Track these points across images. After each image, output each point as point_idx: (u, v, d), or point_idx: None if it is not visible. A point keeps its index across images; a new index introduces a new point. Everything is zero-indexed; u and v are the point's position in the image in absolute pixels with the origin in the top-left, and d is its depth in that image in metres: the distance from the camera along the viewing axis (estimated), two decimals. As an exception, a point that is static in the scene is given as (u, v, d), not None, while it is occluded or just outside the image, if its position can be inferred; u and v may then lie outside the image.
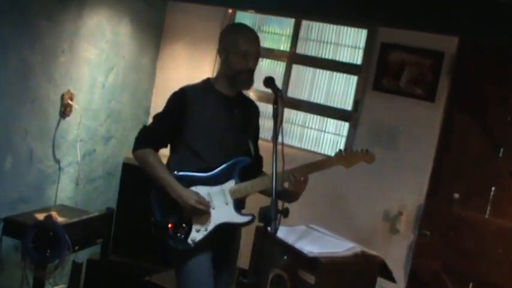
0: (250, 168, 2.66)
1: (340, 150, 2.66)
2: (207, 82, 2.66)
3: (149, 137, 2.59)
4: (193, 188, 2.53)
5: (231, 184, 2.57)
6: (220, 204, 2.55)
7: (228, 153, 2.59)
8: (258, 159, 2.75)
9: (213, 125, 2.56)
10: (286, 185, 2.53)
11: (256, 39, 2.57)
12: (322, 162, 2.62)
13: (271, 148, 2.23)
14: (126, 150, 4.25)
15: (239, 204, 2.61)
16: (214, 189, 2.56)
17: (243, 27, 2.67)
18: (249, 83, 2.57)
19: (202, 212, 2.50)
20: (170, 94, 2.61)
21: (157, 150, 2.60)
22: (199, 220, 2.53)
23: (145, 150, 2.56)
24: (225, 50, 2.55)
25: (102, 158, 4.07)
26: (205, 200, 2.51)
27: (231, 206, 2.56)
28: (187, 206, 2.49)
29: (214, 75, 2.73)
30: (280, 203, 2.16)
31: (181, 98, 2.55)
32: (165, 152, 2.68)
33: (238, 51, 2.50)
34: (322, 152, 4.17)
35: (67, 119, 3.55)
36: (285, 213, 2.17)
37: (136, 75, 4.30)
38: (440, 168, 3.69)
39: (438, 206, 3.67)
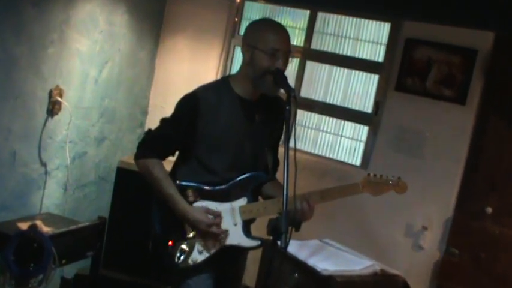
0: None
1: (368, 174, 2.59)
2: (224, 83, 2.60)
3: (155, 144, 2.57)
4: (199, 204, 2.51)
5: (242, 202, 2.55)
6: (228, 225, 2.52)
7: (244, 166, 2.55)
8: (274, 165, 2.71)
9: (229, 137, 2.51)
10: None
11: (287, 36, 2.50)
12: (346, 189, 2.55)
13: (283, 153, 2.22)
14: (121, 153, 4.30)
15: (248, 226, 2.59)
16: (223, 207, 2.53)
17: (273, 22, 2.59)
18: (276, 86, 2.48)
19: (210, 234, 2.49)
20: (181, 97, 2.56)
21: (163, 159, 2.58)
22: (203, 240, 2.51)
23: (150, 159, 2.54)
24: (251, 47, 2.47)
25: (94, 161, 4.06)
26: (217, 221, 2.49)
27: (239, 227, 2.54)
28: (196, 229, 2.48)
29: (234, 73, 2.66)
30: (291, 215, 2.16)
31: (192, 104, 2.49)
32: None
33: (266, 48, 2.43)
34: (338, 158, 4.19)
35: (55, 117, 3.53)
36: (297, 226, 2.17)
37: (133, 71, 4.29)
38: (471, 178, 3.70)
39: (468, 221, 3.66)
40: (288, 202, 2.10)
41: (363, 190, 2.56)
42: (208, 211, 2.48)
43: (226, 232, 2.50)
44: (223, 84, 2.58)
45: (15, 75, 3.20)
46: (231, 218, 2.53)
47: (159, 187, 2.50)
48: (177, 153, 2.64)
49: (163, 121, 2.58)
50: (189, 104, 2.51)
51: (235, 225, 2.53)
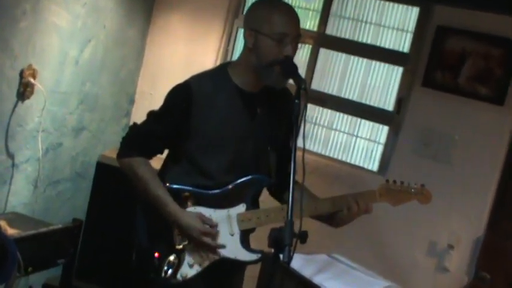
0: (272, 187, 2.68)
1: (387, 181, 2.61)
2: (221, 71, 2.59)
3: (141, 141, 2.57)
4: (192, 209, 2.51)
5: (240, 209, 2.55)
6: (224, 234, 2.52)
7: (244, 167, 2.56)
8: (284, 173, 2.65)
9: (226, 134, 2.52)
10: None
11: (297, 18, 2.48)
12: (361, 196, 2.56)
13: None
14: (102, 147, 4.30)
15: (246, 236, 2.59)
16: (218, 214, 2.52)
17: (279, 2, 2.56)
18: (284, 77, 2.47)
19: (203, 245, 2.48)
20: (172, 87, 2.56)
21: (150, 158, 2.59)
22: (194, 252, 2.50)
23: (135, 158, 2.54)
24: (254, 31, 2.45)
25: (71, 154, 4.05)
26: (212, 229, 2.48)
27: (236, 237, 2.53)
28: (188, 236, 2.48)
29: (234, 60, 2.67)
30: (297, 225, 2.11)
31: (185, 96, 2.49)
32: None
33: (272, 32, 2.40)
34: (352, 161, 4.21)
35: (27, 102, 3.50)
36: (303, 237, 2.11)
37: (120, 52, 4.29)
38: (507, 191, 3.69)
39: (502, 241, 3.65)
40: (293, 210, 2.08)
41: (380, 199, 2.59)
42: (203, 218, 2.47)
43: (221, 246, 2.49)
44: (221, 72, 2.58)
45: (-21, 51, 3.20)
46: (227, 227, 2.52)
47: (145, 189, 2.50)
48: (166, 151, 2.66)
49: (151, 114, 2.59)
50: (181, 95, 2.51)
51: (232, 235, 2.52)
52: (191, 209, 2.50)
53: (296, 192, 2.22)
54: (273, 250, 2.11)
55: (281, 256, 2.03)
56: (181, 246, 2.49)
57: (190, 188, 2.52)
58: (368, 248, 3.83)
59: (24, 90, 3.44)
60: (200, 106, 2.48)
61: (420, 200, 2.64)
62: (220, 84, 2.52)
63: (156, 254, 2.48)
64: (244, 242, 2.54)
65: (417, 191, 2.62)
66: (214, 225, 2.48)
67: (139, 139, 2.57)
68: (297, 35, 2.44)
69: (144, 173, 2.51)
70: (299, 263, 2.87)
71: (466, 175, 3.74)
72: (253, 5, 2.57)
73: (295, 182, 2.13)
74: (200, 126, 2.48)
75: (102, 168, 3.95)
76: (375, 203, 2.57)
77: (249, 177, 2.55)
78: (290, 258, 2.01)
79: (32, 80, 3.45)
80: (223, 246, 2.49)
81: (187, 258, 2.48)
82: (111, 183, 3.89)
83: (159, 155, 2.63)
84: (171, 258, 2.48)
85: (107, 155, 4.00)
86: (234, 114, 2.52)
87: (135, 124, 2.64)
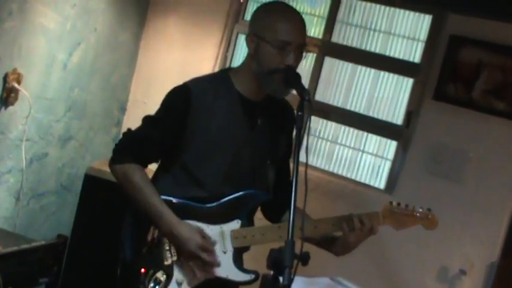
0: (267, 205, 2.69)
1: (390, 203, 2.60)
2: (223, 76, 2.60)
3: (136, 146, 2.55)
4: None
5: (234, 225, 2.53)
6: (216, 252, 2.49)
7: (239, 180, 2.55)
8: (282, 191, 2.65)
9: (224, 143, 2.52)
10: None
11: (302, 26, 2.48)
12: (364, 218, 2.55)
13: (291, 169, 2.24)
14: (91, 158, 4.27)
15: (240, 255, 2.57)
16: (211, 229, 2.50)
17: (285, 7, 2.57)
18: (285, 87, 2.46)
19: (197, 260, 2.45)
20: (169, 90, 2.55)
21: (145, 166, 2.57)
22: (183, 269, 2.47)
23: (129, 165, 2.52)
24: (256, 36, 2.46)
25: (57, 166, 4.04)
26: (211, 245, 2.47)
27: (229, 256, 2.51)
28: (183, 249, 2.45)
29: (236, 66, 2.67)
30: (298, 245, 2.08)
31: (183, 99, 2.49)
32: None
33: (274, 39, 2.40)
34: (357, 178, 4.20)
35: (10, 108, 3.48)
36: (305, 259, 2.07)
37: (112, 56, 4.29)
38: None
39: None
40: (295, 229, 2.05)
41: (384, 222, 2.58)
42: (203, 234, 2.46)
43: (217, 264, 2.47)
44: (222, 78, 2.59)
45: (-40, 53, 3.21)
46: (220, 243, 2.51)
47: (139, 197, 2.48)
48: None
49: (147, 119, 2.58)
50: (180, 97, 2.51)
51: (225, 252, 2.51)
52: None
53: (297, 215, 2.21)
54: (271, 272, 2.06)
55: (281, 279, 1.98)
56: (169, 262, 2.47)
57: (183, 201, 2.51)
58: (374, 272, 3.82)
59: (8, 96, 3.42)
60: (198, 111, 2.47)
61: (425, 225, 2.63)
62: (221, 90, 2.53)
63: (142, 270, 2.45)
64: (237, 260, 2.53)
65: (423, 216, 2.61)
66: (212, 243, 2.47)
67: (134, 145, 2.55)
68: (301, 44, 2.44)
69: (139, 180, 2.49)
70: (300, 286, 2.76)
71: (480, 195, 3.73)
72: (258, 9, 2.59)
73: (296, 201, 2.10)
74: (197, 133, 2.48)
75: (90, 181, 3.95)
76: (378, 225, 2.56)
77: (245, 191, 2.55)
78: (290, 281, 1.97)
79: (16, 85, 3.44)
80: (218, 265, 2.48)
81: (176, 276, 2.45)
82: (99, 197, 3.89)
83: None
84: (158, 274, 2.45)
85: (96, 166, 4.00)
86: (233, 123, 2.52)
87: (129, 130, 2.62)
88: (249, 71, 2.51)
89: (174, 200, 2.50)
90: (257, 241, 2.52)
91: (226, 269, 2.49)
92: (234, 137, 2.52)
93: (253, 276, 2.52)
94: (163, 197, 2.49)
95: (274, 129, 2.61)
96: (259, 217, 2.67)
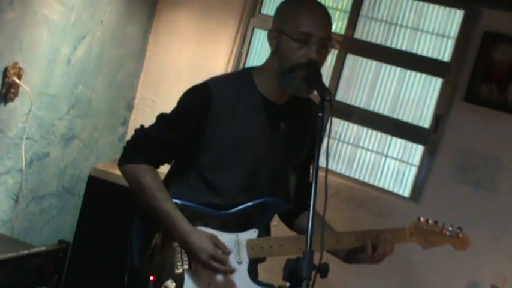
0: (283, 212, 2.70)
1: (418, 219, 2.61)
2: (245, 76, 2.58)
3: (149, 146, 2.54)
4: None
5: (251, 235, 2.53)
6: (231, 262, 2.47)
7: (258, 188, 2.55)
8: (301, 195, 2.64)
9: (244, 148, 2.51)
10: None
11: (326, 18, 2.44)
12: (391, 234, 2.57)
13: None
14: (95, 158, 4.30)
15: (255, 266, 2.57)
16: (225, 237, 2.47)
17: (309, 0, 2.54)
18: (307, 85, 2.43)
19: (210, 270, 2.43)
20: (188, 88, 2.53)
21: (157, 167, 2.57)
22: (195, 278, 2.46)
23: (141, 165, 2.52)
24: (277, 32, 2.44)
25: (58, 166, 4.03)
26: (225, 255, 2.45)
27: (244, 267, 2.49)
28: (196, 258, 2.44)
29: (259, 65, 2.63)
30: (317, 257, 2.07)
31: (203, 99, 2.47)
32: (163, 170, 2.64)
33: (295, 32, 2.37)
34: (380, 185, 4.22)
35: (10, 104, 3.47)
36: (324, 270, 2.05)
37: (119, 51, 4.31)
38: None
39: None
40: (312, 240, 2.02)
41: (411, 239, 2.61)
42: (216, 241, 2.44)
43: (231, 274, 2.46)
44: (244, 78, 2.57)
45: (-43, 45, 3.20)
46: (234, 253, 2.50)
47: (151, 201, 2.47)
48: (172, 164, 2.67)
49: (162, 117, 2.57)
50: (199, 98, 2.49)
51: (240, 263, 2.49)
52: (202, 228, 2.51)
53: (315, 222, 2.18)
54: (288, 284, 2.05)
55: (298, 291, 2.02)
56: (180, 271, 2.46)
57: (197, 205, 2.50)
58: (396, 286, 3.81)
59: (8, 91, 3.42)
60: (218, 113, 2.46)
61: (455, 245, 2.64)
62: (244, 91, 2.52)
63: (152, 277, 2.45)
64: (252, 272, 2.52)
65: (453, 234, 2.62)
66: (227, 252, 2.45)
67: (147, 144, 2.54)
68: (324, 37, 2.40)
69: (151, 182, 2.49)
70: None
71: (514, 205, 3.64)
72: (281, 4, 2.56)
73: (314, 209, 2.08)
74: (216, 136, 2.47)
75: (94, 183, 3.93)
76: (404, 242, 2.60)
77: (264, 199, 2.55)
78: (308, 294, 2.00)
79: (16, 79, 3.44)
80: (231, 276, 2.47)
81: (186, 285, 2.45)
82: (104, 200, 3.89)
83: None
84: (168, 283, 2.45)
85: (100, 168, 3.99)
86: (254, 128, 2.51)
87: (142, 127, 2.60)
88: (271, 71, 2.49)
89: (187, 204, 2.49)
90: (275, 253, 2.51)
91: (240, 280, 2.48)
92: (254, 145, 2.52)
93: None
94: (176, 200, 2.49)
95: (297, 133, 2.60)
96: (273, 224, 2.65)
